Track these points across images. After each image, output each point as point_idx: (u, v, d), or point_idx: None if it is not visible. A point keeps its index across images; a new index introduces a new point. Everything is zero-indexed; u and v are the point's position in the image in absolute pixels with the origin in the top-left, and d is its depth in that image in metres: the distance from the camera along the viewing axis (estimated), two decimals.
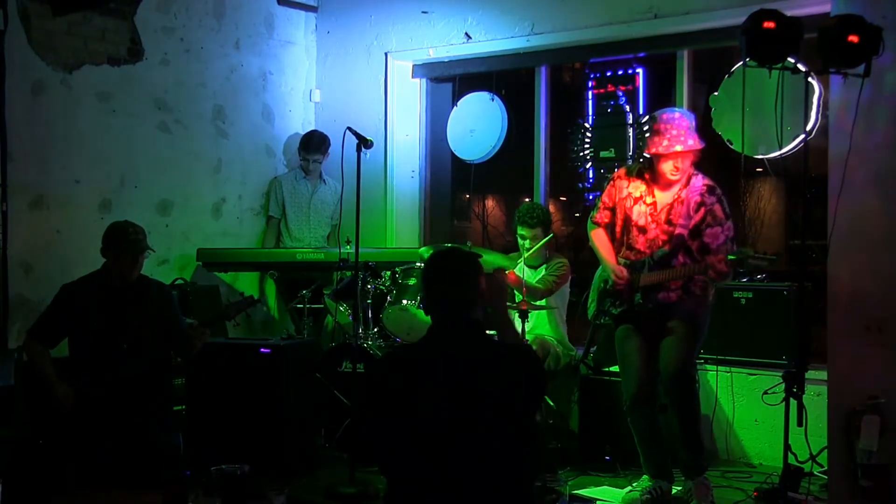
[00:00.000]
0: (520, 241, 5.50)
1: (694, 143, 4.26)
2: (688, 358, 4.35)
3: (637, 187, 4.43)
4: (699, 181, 4.34)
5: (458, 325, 2.74)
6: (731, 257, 4.09)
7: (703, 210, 4.28)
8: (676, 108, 4.37)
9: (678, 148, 4.24)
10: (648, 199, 4.39)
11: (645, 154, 4.46)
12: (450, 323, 2.75)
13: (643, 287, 4.33)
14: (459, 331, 2.74)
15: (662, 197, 4.37)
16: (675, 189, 4.34)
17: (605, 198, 4.55)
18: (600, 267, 4.62)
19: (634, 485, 4.50)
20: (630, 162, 5.47)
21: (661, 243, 4.33)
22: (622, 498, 4.42)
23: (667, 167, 4.30)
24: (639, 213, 4.40)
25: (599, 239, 4.57)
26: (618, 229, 4.52)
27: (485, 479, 2.59)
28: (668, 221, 4.33)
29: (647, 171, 4.40)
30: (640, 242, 4.39)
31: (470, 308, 2.75)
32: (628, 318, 4.43)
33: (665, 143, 4.26)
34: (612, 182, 4.55)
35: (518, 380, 2.67)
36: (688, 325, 4.32)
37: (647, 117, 4.61)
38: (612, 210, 4.52)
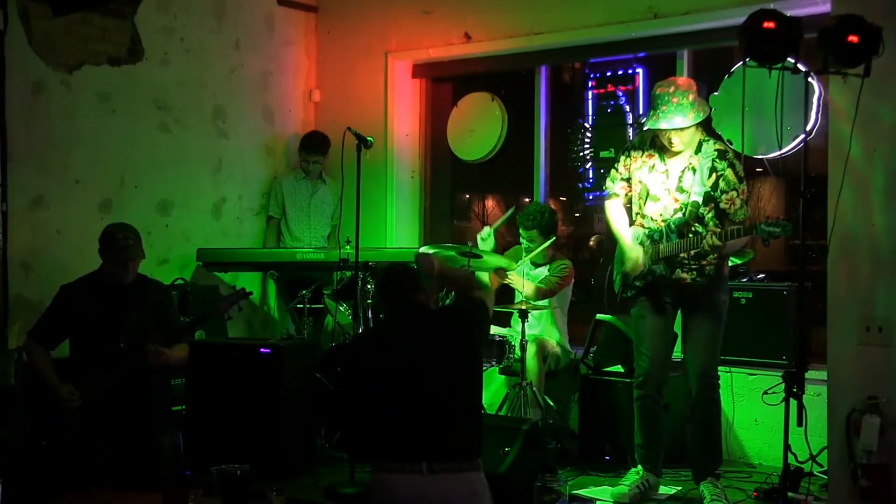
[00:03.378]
0: (520, 240, 5.53)
1: (682, 121, 4.19)
2: (714, 361, 4.39)
3: (651, 156, 4.41)
4: (710, 147, 4.32)
5: (406, 304, 3.56)
6: (740, 218, 4.15)
7: (714, 175, 4.26)
8: (676, 80, 4.30)
9: (663, 126, 4.23)
10: (661, 168, 4.37)
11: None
12: (399, 304, 3.57)
13: (664, 258, 4.32)
14: (408, 308, 3.56)
15: (675, 165, 4.35)
16: (687, 156, 4.32)
17: (620, 168, 4.52)
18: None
19: (623, 479, 4.50)
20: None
21: (673, 211, 4.32)
22: (611, 492, 4.41)
23: (664, 139, 4.30)
24: (653, 182, 4.38)
25: (616, 212, 4.53)
26: (633, 198, 4.49)
27: (449, 410, 3.34)
28: (680, 189, 4.32)
29: (659, 139, 4.38)
30: (653, 211, 4.38)
31: (412, 293, 3.57)
32: (650, 293, 4.40)
33: (654, 118, 4.25)
34: (626, 152, 4.52)
35: (458, 322, 3.56)
36: (710, 323, 4.33)
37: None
38: (628, 181, 4.49)
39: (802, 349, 4.03)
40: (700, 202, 4.28)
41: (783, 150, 4.99)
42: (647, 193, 4.40)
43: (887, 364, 3.74)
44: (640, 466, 4.47)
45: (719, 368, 4.99)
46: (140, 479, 4.22)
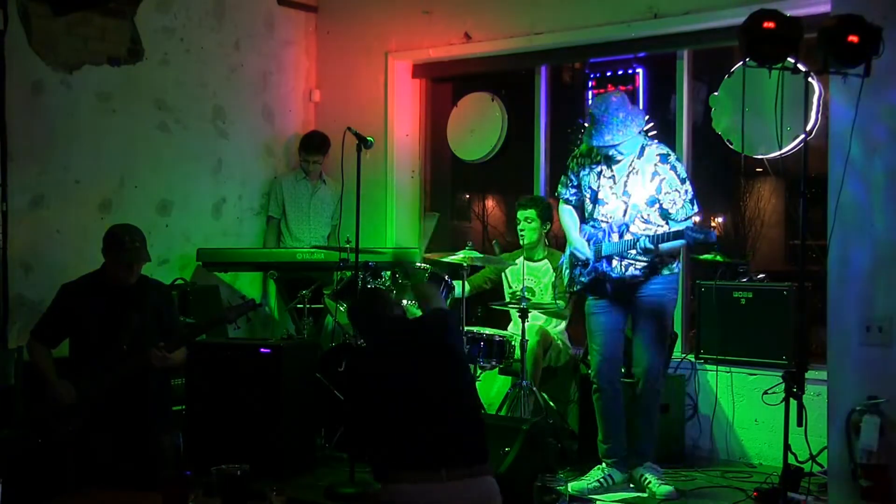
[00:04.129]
0: (518, 227, 5.58)
1: (611, 137, 4.37)
2: (657, 359, 4.57)
3: (598, 162, 4.57)
4: (653, 150, 4.50)
5: (388, 318, 3.69)
6: (681, 217, 4.39)
7: (657, 179, 4.44)
8: (611, 99, 4.44)
9: (593, 143, 4.44)
10: (608, 174, 4.54)
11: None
12: (381, 320, 3.68)
13: (606, 257, 4.48)
14: (391, 321, 3.69)
15: (620, 169, 4.52)
16: (631, 160, 4.49)
17: (570, 174, 4.71)
18: (568, 243, 4.73)
19: (587, 475, 4.54)
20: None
21: (620, 214, 4.48)
22: (573, 486, 4.41)
23: (605, 150, 4.47)
24: (600, 186, 4.56)
25: (567, 216, 4.72)
26: (584, 201, 4.67)
27: (457, 413, 3.37)
28: (626, 192, 4.48)
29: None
30: (600, 214, 4.55)
31: (390, 309, 3.74)
32: (596, 289, 4.57)
33: (588, 135, 4.46)
34: (573, 159, 4.71)
35: (440, 328, 3.62)
36: (655, 323, 4.51)
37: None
38: (578, 186, 4.67)
39: (802, 349, 4.03)
40: (641, 204, 4.45)
41: (783, 150, 4.99)
42: (596, 197, 4.57)
43: (887, 364, 3.74)
44: (603, 462, 4.57)
45: (719, 368, 5.04)
46: (140, 479, 4.21)
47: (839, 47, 3.52)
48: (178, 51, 6.16)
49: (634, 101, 5.91)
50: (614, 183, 4.51)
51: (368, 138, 4.83)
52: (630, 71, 5.92)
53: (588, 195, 4.61)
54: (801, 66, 3.75)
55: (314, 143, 6.48)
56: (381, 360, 3.52)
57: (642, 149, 4.49)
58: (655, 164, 4.45)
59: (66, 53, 5.56)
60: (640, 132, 4.47)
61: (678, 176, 4.44)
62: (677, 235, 4.28)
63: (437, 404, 3.35)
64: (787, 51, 3.63)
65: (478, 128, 6.48)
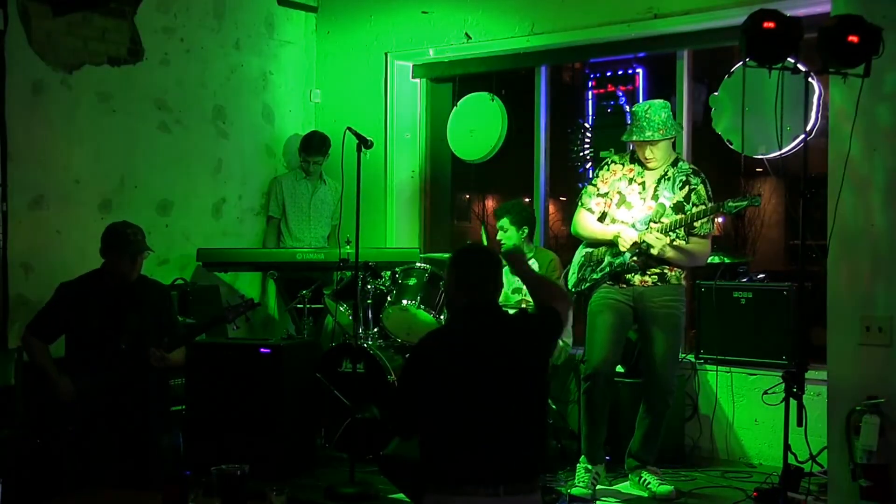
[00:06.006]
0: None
1: (652, 134, 4.47)
2: (672, 373, 4.61)
3: (631, 169, 4.64)
4: (685, 165, 4.63)
5: (486, 306, 3.24)
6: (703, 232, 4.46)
7: (686, 188, 4.52)
8: (655, 101, 4.59)
9: (635, 138, 4.52)
10: (639, 179, 4.61)
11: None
12: (479, 305, 3.22)
13: (633, 245, 4.48)
14: (488, 310, 3.24)
15: (651, 176, 4.59)
16: (663, 167, 4.58)
17: (598, 183, 4.71)
18: (581, 245, 4.74)
19: (576, 481, 4.51)
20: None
21: (644, 214, 4.53)
22: (573, 493, 4.42)
23: (640, 153, 4.57)
24: (629, 191, 4.60)
25: (591, 220, 4.69)
26: (607, 209, 4.67)
27: (514, 419, 3.10)
28: (655, 197, 4.55)
29: (637, 154, 4.65)
30: (625, 216, 4.58)
31: (495, 293, 3.30)
32: (606, 287, 4.56)
33: (629, 132, 4.56)
34: (605, 167, 4.72)
35: (535, 336, 3.24)
36: (672, 338, 4.53)
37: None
38: (604, 196, 4.67)
39: (802, 349, 4.03)
40: (668, 206, 4.50)
41: (783, 150, 4.99)
42: (623, 201, 4.60)
43: (887, 364, 3.74)
44: (584, 460, 4.56)
45: (719, 368, 5.04)
46: (140, 479, 4.22)
47: (839, 47, 3.52)
48: (178, 51, 6.16)
49: (634, 100, 5.94)
50: (643, 189, 4.57)
51: (368, 138, 4.83)
52: (630, 71, 5.92)
53: (614, 199, 4.64)
54: (801, 66, 3.75)
55: (314, 144, 6.47)
56: (456, 362, 3.13)
57: (675, 160, 4.60)
58: (687, 175, 4.55)
59: (66, 53, 5.56)
60: (674, 148, 4.61)
61: (707, 193, 4.52)
62: (715, 210, 4.34)
63: (507, 417, 3.10)
64: (787, 51, 3.63)
65: (478, 128, 6.48)
